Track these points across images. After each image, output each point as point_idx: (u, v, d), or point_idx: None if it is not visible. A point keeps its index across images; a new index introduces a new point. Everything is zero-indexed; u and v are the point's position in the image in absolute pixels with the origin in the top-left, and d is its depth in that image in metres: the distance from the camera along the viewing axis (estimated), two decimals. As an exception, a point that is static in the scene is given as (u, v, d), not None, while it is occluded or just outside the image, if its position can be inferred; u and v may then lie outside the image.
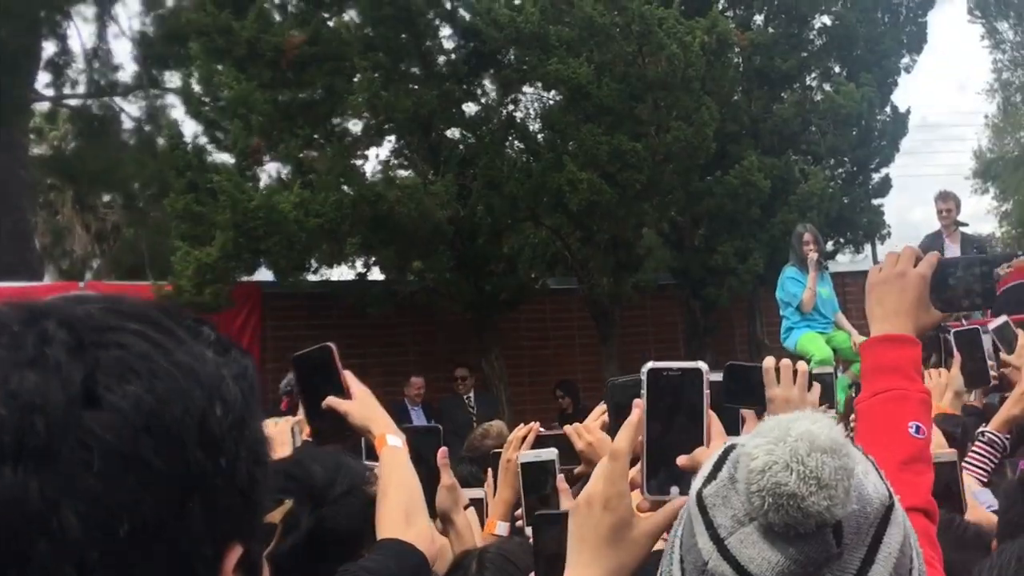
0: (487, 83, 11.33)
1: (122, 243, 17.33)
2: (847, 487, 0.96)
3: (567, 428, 2.84)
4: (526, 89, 11.42)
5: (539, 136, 11.29)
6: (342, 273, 11.07)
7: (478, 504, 2.90)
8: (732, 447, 1.05)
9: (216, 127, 10.98)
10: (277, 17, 10.74)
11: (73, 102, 16.16)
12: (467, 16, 10.71)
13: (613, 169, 9.93)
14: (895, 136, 12.04)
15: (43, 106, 16.80)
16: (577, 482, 2.44)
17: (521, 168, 10.71)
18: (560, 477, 2.26)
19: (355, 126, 11.06)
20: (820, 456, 0.96)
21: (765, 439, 0.99)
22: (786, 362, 2.27)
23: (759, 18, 12.38)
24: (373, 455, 2.16)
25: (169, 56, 14.11)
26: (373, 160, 11.08)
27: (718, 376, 2.38)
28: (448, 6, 10.87)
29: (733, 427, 2.48)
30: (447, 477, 2.53)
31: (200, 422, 0.74)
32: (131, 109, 15.81)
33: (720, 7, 11.66)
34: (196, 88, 11.02)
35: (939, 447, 2.73)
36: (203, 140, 10.88)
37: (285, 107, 10.20)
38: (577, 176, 9.80)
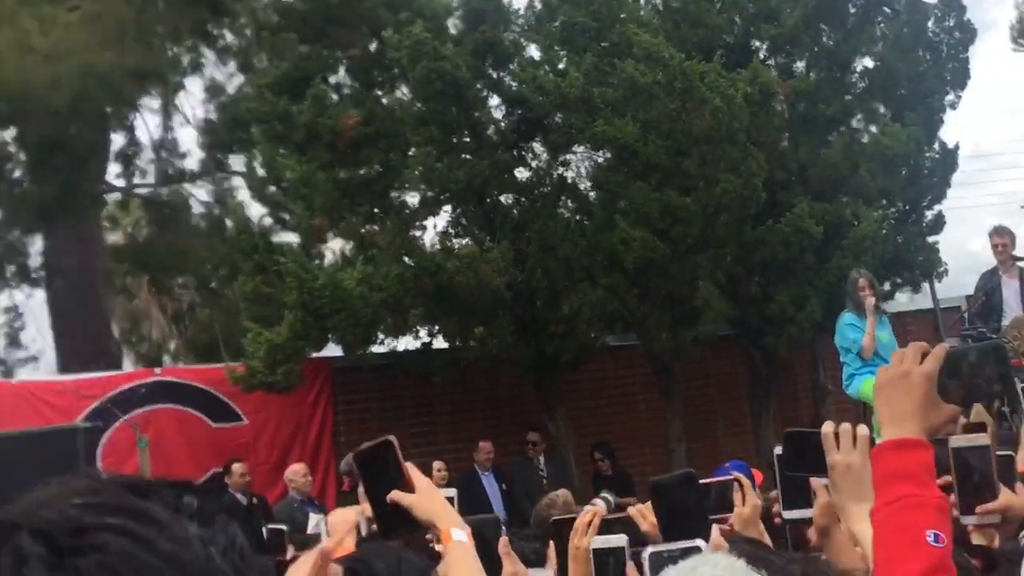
0: (536, 147, 11.52)
1: (196, 325, 17.86)
2: None
3: (631, 511, 2.93)
4: (575, 150, 11.61)
5: (590, 196, 11.50)
6: (407, 343, 11.31)
7: None
8: None
9: (281, 208, 11.38)
10: (333, 97, 11.19)
11: (143, 190, 16.82)
12: (513, 85, 10.94)
13: (665, 225, 10.07)
14: (945, 172, 11.95)
15: (115, 195, 17.41)
16: None
17: (574, 229, 10.91)
18: (630, 564, 2.34)
19: (412, 198, 11.36)
20: None
21: None
22: (845, 427, 2.14)
23: (800, 65, 12.40)
24: None
25: (233, 141, 14.64)
26: (431, 230, 11.38)
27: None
28: (494, 76, 11.15)
29: (802, 498, 2.47)
30: (510, 565, 2.60)
31: None
32: (199, 193, 16.36)
33: (761, 56, 11.83)
34: (260, 172, 11.45)
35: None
36: (268, 221, 11.31)
37: (345, 185, 10.55)
38: (630, 234, 9.98)
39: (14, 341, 16.99)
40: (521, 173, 11.46)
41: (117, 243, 17.40)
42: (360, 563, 2.10)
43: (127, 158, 16.01)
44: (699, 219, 10.09)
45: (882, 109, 12.32)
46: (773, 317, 11.09)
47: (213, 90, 15.73)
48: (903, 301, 13.25)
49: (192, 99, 15.74)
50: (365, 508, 3.65)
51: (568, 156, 11.67)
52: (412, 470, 2.22)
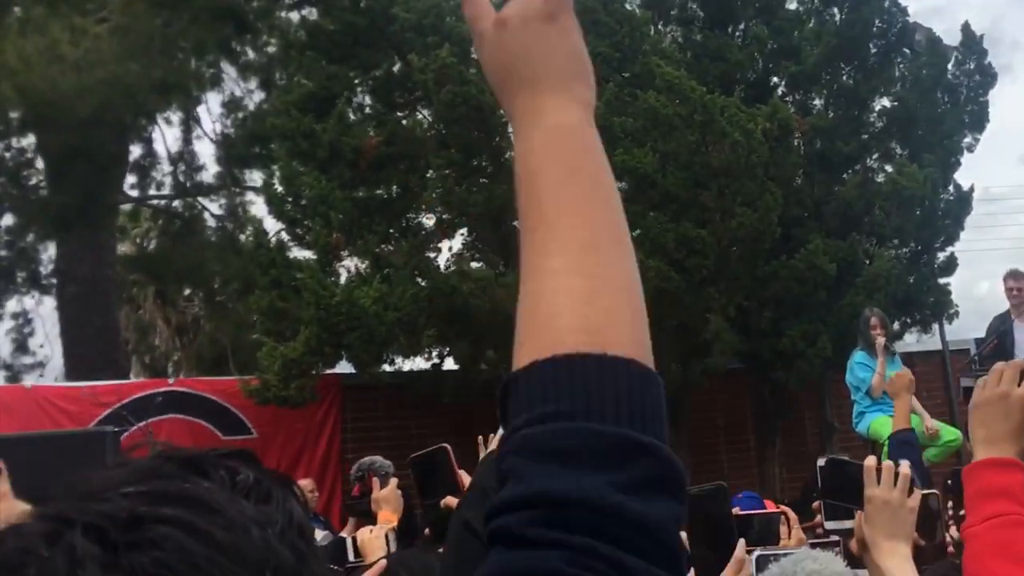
0: (554, 175, 11.59)
1: (202, 337, 17.91)
2: None
3: None
4: (593, 180, 11.66)
5: (606, 225, 11.53)
6: (418, 364, 11.34)
7: None
8: None
9: (297, 224, 11.43)
10: (353, 117, 11.27)
11: (157, 202, 16.91)
12: (534, 111, 11.02)
13: (680, 256, 10.11)
14: (959, 215, 12.02)
15: (128, 205, 17.50)
16: None
17: (589, 258, 10.92)
18: None
19: (428, 220, 11.44)
20: None
21: None
22: (888, 464, 2.16)
23: (819, 102, 12.51)
24: None
25: (250, 156, 14.74)
26: (446, 252, 11.43)
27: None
28: (516, 102, 11.20)
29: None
30: None
31: None
32: (213, 207, 16.48)
33: (780, 93, 11.93)
34: (278, 188, 11.52)
35: None
36: (284, 236, 11.35)
37: (363, 204, 10.62)
38: (645, 264, 10.01)
39: (22, 347, 17.03)
40: (538, 199, 11.48)
41: (126, 253, 17.46)
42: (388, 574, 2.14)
43: (143, 169, 16.15)
44: (714, 251, 10.13)
45: (899, 149, 12.40)
46: (783, 352, 11.11)
47: (231, 105, 15.88)
48: (911, 341, 13.29)
49: (211, 113, 15.90)
50: (394, 525, 3.70)
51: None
52: (464, 477, 2.33)
